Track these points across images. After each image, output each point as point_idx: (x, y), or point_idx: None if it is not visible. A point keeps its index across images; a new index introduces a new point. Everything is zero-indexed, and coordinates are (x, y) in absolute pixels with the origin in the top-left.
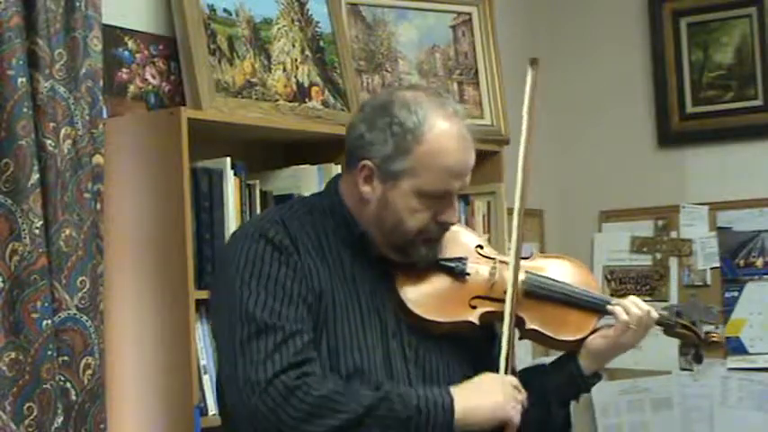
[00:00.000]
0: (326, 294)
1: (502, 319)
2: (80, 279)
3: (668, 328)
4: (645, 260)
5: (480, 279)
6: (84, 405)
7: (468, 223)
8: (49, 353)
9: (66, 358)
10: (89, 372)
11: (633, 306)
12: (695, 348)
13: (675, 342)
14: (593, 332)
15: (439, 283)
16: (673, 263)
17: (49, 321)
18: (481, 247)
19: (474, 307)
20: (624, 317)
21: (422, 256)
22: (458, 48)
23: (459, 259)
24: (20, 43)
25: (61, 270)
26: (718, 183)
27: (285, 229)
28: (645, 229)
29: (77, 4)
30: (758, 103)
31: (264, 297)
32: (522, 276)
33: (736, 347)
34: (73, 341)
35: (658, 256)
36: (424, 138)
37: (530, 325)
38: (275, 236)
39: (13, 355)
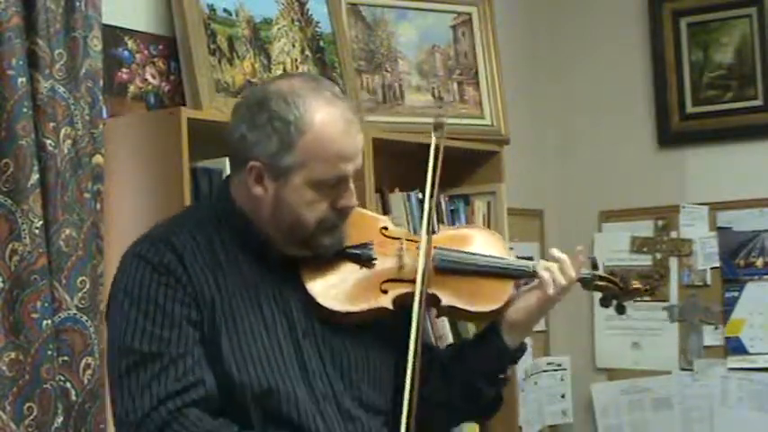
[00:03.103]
0: (222, 305)
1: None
2: (80, 279)
3: (585, 282)
4: (645, 260)
5: (388, 263)
6: (84, 405)
7: (469, 223)
8: (49, 353)
9: (66, 358)
10: (89, 372)
11: (547, 267)
12: (616, 299)
13: (676, 342)
14: (509, 300)
15: (346, 272)
16: (673, 263)
17: (49, 321)
18: (386, 228)
19: (385, 291)
20: (544, 274)
21: (326, 246)
22: (458, 48)
23: (365, 245)
24: (20, 43)
25: (61, 270)
26: (718, 183)
27: (168, 248)
28: (645, 229)
29: (77, 4)
30: (758, 103)
31: (143, 324)
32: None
33: (736, 347)
34: (73, 341)
35: (658, 256)
36: (308, 128)
37: (445, 302)
38: (154, 257)
39: (13, 355)
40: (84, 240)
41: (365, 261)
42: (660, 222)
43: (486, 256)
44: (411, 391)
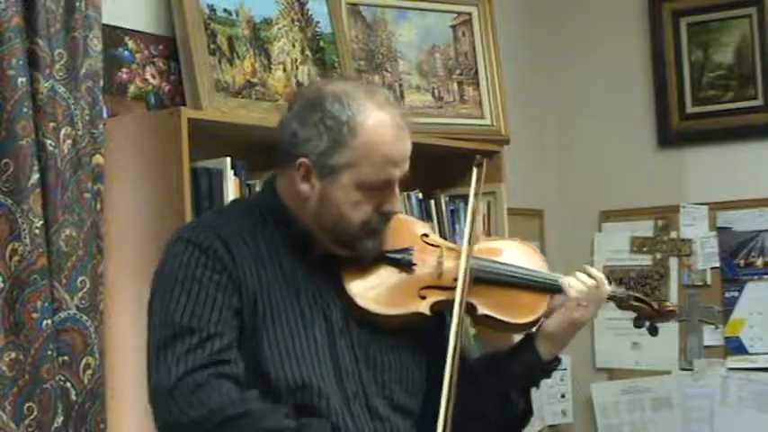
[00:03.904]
0: (263, 298)
1: (452, 308)
2: (80, 279)
3: (620, 302)
4: (645, 260)
5: (428, 269)
6: (84, 405)
7: None
8: (49, 353)
9: (66, 358)
10: (89, 372)
11: (582, 281)
12: (649, 321)
13: (676, 342)
14: (544, 313)
15: (386, 276)
16: (673, 263)
17: (49, 321)
18: (426, 235)
19: (423, 297)
20: (574, 293)
21: (368, 248)
22: (458, 48)
23: (405, 250)
24: (20, 43)
25: (61, 270)
26: (718, 183)
27: (216, 235)
28: (645, 229)
29: (77, 4)
30: (758, 103)
31: (185, 301)
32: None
33: (736, 347)
34: (73, 341)
35: (658, 256)
36: (360, 129)
37: (481, 310)
38: (204, 241)
39: (13, 355)
40: (85, 240)
41: (405, 266)
42: (660, 222)
43: (523, 268)
44: (448, 400)
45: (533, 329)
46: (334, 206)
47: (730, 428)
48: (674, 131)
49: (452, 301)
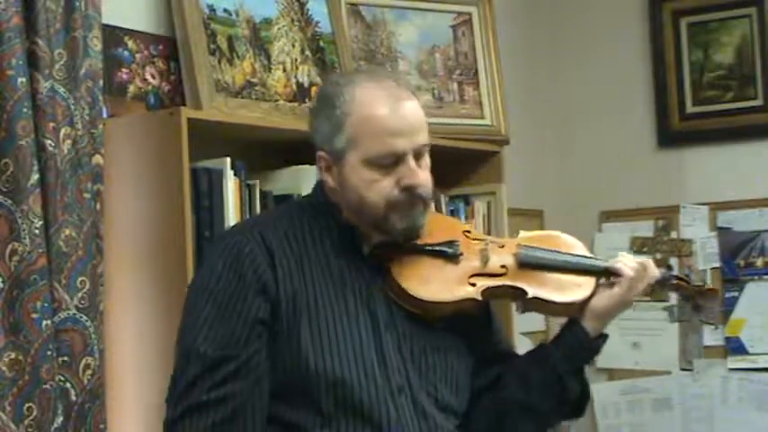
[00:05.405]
0: (306, 295)
1: (502, 294)
2: (80, 279)
3: (664, 281)
4: None
5: (474, 258)
6: (84, 405)
7: (469, 224)
8: (49, 353)
9: (66, 358)
10: (89, 372)
11: (633, 262)
12: (692, 299)
13: (676, 342)
14: (593, 293)
15: (434, 267)
16: (673, 263)
17: (49, 321)
18: (469, 231)
19: (473, 284)
20: (629, 272)
21: (399, 229)
22: (458, 48)
23: (450, 243)
24: (20, 43)
25: (61, 270)
26: (718, 183)
27: (259, 238)
28: (645, 229)
29: (77, 4)
30: (758, 103)
31: (204, 318)
32: (513, 250)
33: (736, 347)
34: (73, 341)
35: (658, 256)
36: (350, 106)
37: (532, 293)
38: (240, 242)
39: (13, 355)
40: (84, 240)
41: (452, 257)
42: (660, 222)
43: (568, 253)
44: None
45: (580, 312)
46: (353, 190)
47: (730, 429)
48: (674, 131)
49: (502, 287)
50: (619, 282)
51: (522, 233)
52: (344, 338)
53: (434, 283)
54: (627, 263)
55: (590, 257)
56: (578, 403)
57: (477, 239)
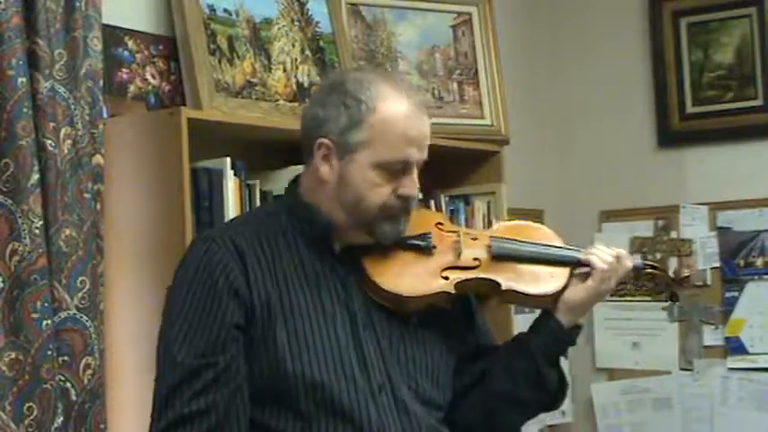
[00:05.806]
0: (281, 299)
1: (476, 286)
2: (80, 279)
3: (638, 271)
4: None
5: (447, 251)
6: (84, 405)
7: (469, 224)
8: (49, 353)
9: (66, 358)
10: (89, 372)
11: (606, 253)
12: (668, 287)
13: (676, 342)
14: (567, 284)
15: (407, 260)
16: (673, 263)
17: (49, 321)
18: (441, 223)
19: (446, 278)
20: (602, 265)
21: (386, 233)
22: (458, 48)
23: (423, 236)
24: (20, 43)
25: (61, 270)
26: (718, 183)
27: (230, 243)
28: (645, 229)
29: (77, 4)
30: (758, 103)
31: (179, 326)
32: (485, 242)
33: (736, 347)
34: (73, 341)
35: (658, 256)
36: (378, 107)
37: (505, 285)
38: (216, 253)
39: (13, 355)
40: (85, 240)
41: (425, 250)
42: (660, 222)
43: (542, 244)
44: None
45: (554, 303)
46: (352, 187)
47: (730, 428)
48: (674, 131)
49: (475, 279)
50: (592, 274)
51: (499, 224)
52: (322, 340)
53: (407, 277)
54: (600, 255)
55: (564, 248)
56: (557, 392)
57: (451, 231)
